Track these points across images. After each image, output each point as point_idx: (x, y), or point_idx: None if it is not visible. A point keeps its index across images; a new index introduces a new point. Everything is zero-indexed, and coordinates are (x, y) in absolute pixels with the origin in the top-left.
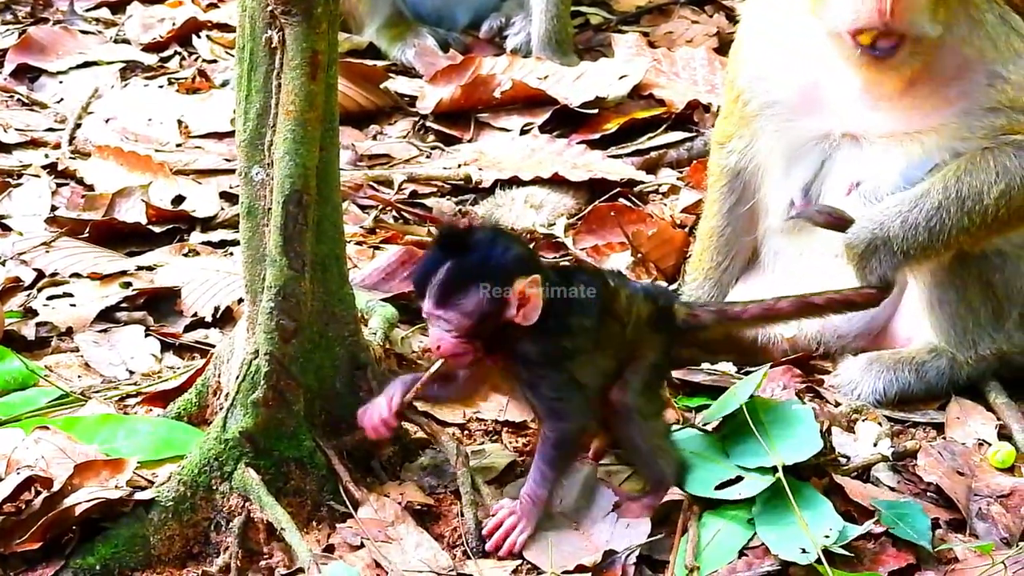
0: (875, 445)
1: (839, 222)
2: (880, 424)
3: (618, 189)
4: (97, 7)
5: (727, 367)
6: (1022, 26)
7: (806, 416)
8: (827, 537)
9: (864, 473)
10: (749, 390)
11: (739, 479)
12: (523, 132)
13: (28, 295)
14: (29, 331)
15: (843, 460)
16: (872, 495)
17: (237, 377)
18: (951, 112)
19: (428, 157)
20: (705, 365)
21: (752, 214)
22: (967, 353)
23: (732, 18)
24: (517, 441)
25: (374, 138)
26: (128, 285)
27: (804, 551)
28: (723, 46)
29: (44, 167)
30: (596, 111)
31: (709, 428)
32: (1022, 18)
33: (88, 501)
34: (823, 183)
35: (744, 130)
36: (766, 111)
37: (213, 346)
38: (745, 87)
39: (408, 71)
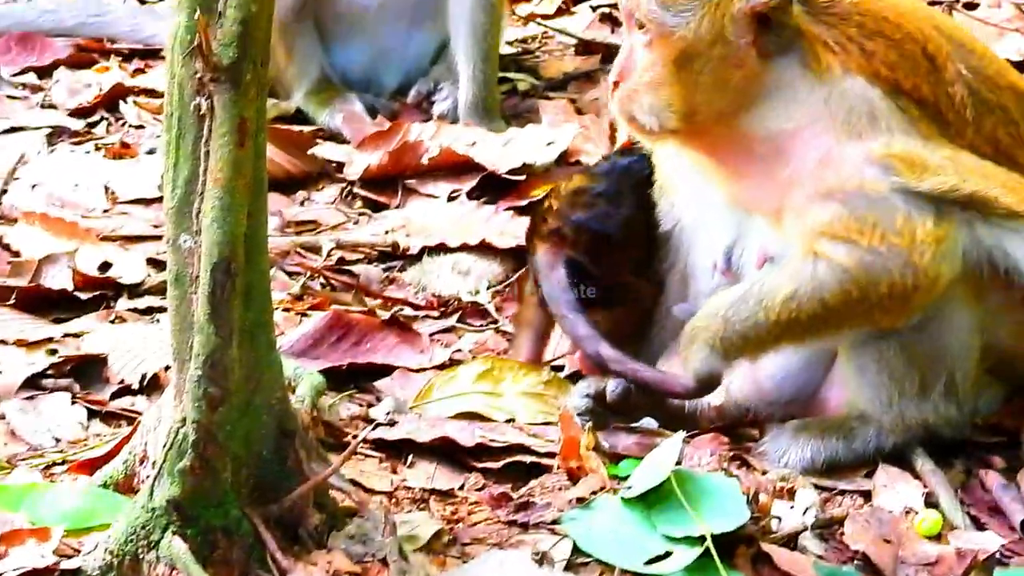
0: (803, 513)
1: None
2: (808, 492)
3: None
4: (23, 72)
5: (651, 423)
6: (870, 99)
7: (733, 485)
8: None
9: (792, 541)
10: (672, 457)
11: (668, 553)
12: (451, 198)
13: None
14: None
15: (771, 528)
16: (800, 564)
17: (164, 445)
18: (792, 196)
19: (355, 223)
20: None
21: (683, 277)
22: (894, 422)
23: None
24: (445, 509)
25: (302, 204)
26: (54, 352)
27: None
28: None
29: None
30: (524, 177)
31: (635, 495)
32: None
33: (14, 570)
34: (743, 249)
35: (667, 195)
36: (682, 178)
37: (140, 414)
38: (662, 155)
39: (336, 137)
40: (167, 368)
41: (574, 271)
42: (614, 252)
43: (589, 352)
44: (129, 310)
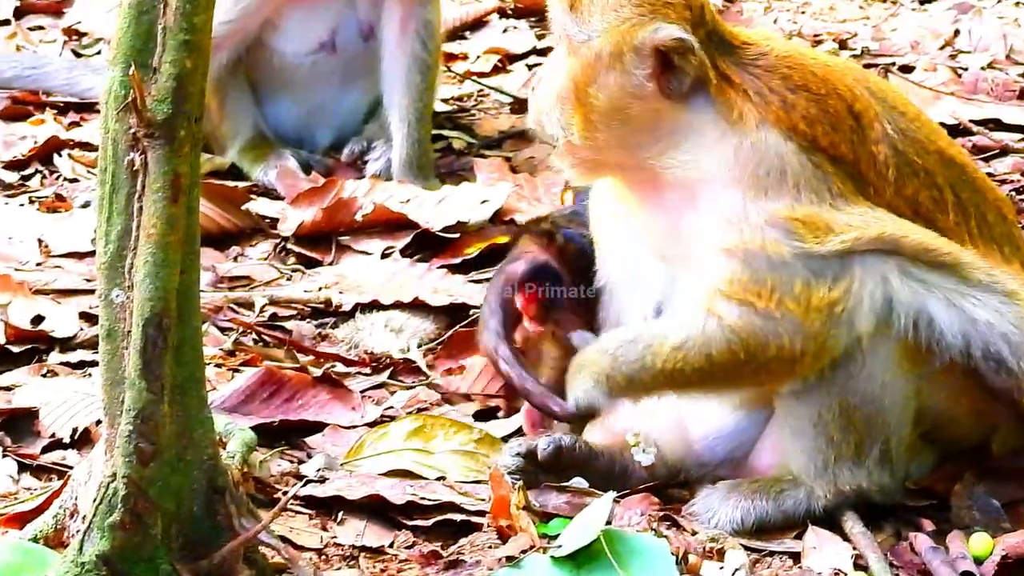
0: (733, 574)
1: None
2: (738, 553)
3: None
4: None
5: (581, 483)
6: (782, 154)
7: (662, 546)
8: None
9: None
10: (602, 517)
11: None
12: (384, 255)
13: None
14: None
15: None
16: None
17: (94, 500)
18: (697, 246)
19: (289, 279)
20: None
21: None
22: (826, 487)
23: None
24: (375, 567)
25: (235, 260)
26: None
27: None
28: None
29: None
30: (457, 235)
31: (565, 554)
32: None
33: None
34: (672, 301)
35: (601, 246)
36: (614, 226)
37: (71, 468)
38: (595, 203)
39: (270, 192)
40: (98, 423)
41: (543, 274)
42: (585, 276)
43: (488, 345)
44: (61, 364)
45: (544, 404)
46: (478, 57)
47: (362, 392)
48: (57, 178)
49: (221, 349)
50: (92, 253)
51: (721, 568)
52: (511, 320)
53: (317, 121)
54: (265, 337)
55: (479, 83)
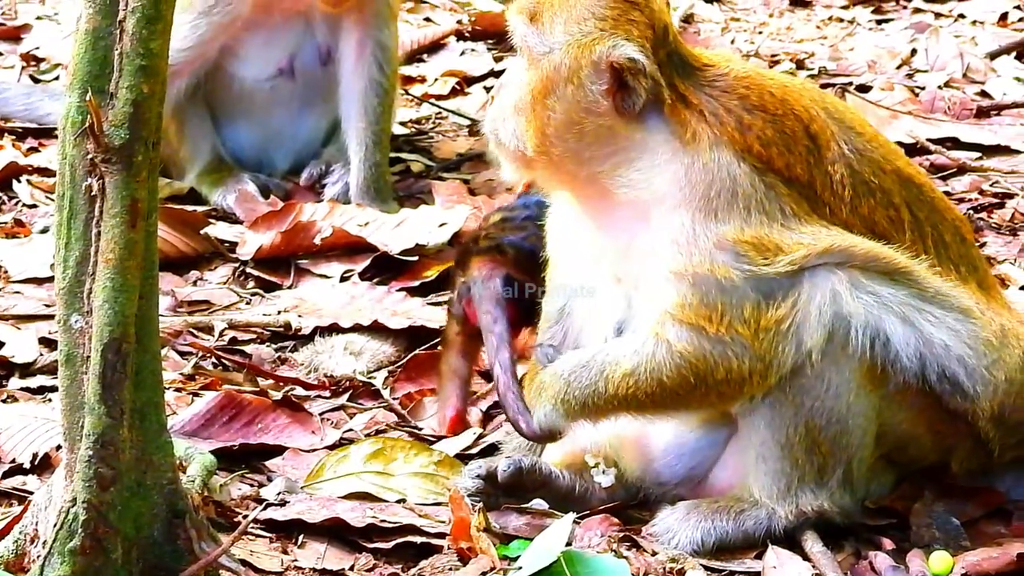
0: None
1: None
2: (698, 573)
3: (438, 338)
4: None
5: (541, 504)
6: (734, 175)
7: (623, 566)
8: None
9: None
10: (562, 538)
11: None
12: (343, 279)
13: None
14: None
15: None
16: None
17: (55, 525)
18: (648, 268)
19: (248, 303)
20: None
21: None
22: (788, 509)
23: None
24: None
25: (194, 284)
26: None
27: None
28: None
29: None
30: (416, 258)
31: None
32: None
33: None
34: (631, 322)
35: (558, 267)
36: (571, 246)
37: (31, 493)
38: (553, 223)
39: (229, 217)
40: (58, 448)
41: (510, 286)
42: (543, 270)
43: (491, 353)
44: (21, 389)
45: (515, 420)
46: (436, 80)
47: (322, 415)
48: (16, 204)
49: (181, 373)
50: (51, 279)
51: None
52: (512, 330)
53: (276, 145)
54: (225, 361)
55: (436, 105)
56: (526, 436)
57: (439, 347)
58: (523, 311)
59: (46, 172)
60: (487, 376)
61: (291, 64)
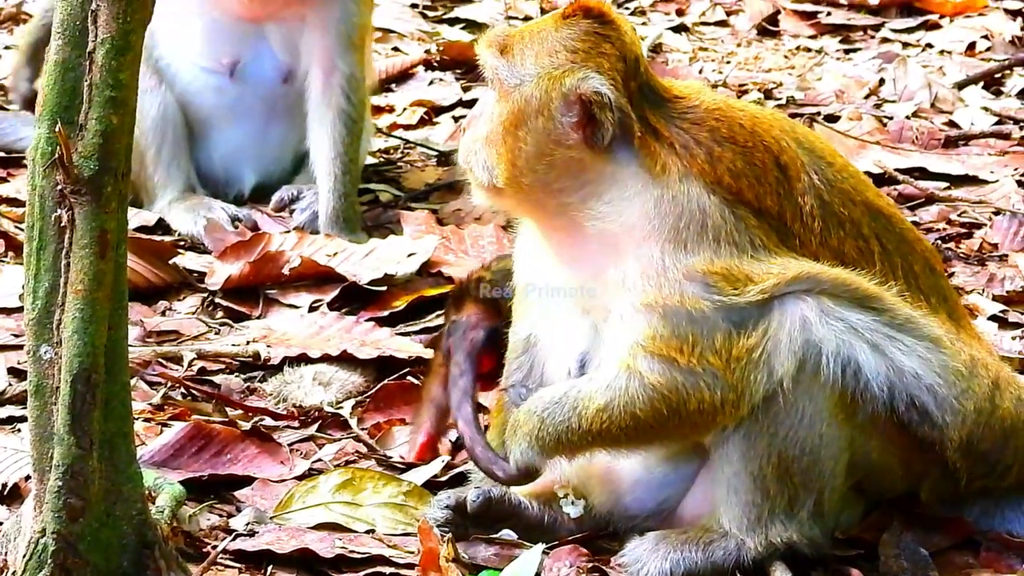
0: None
1: None
2: None
3: (407, 368)
4: None
5: (510, 535)
6: (704, 207)
7: None
8: None
9: None
10: (531, 569)
11: None
12: (312, 309)
13: None
14: None
15: None
16: None
17: (24, 555)
18: (618, 300)
19: (217, 333)
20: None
21: (540, 382)
22: (757, 539)
23: None
24: None
25: (163, 314)
26: None
27: None
28: (510, 223)
29: None
30: (385, 288)
31: None
32: None
33: None
34: (596, 355)
35: (524, 300)
36: (538, 278)
37: (0, 524)
38: (520, 253)
39: (197, 246)
40: (27, 478)
41: (495, 338)
42: None
43: (453, 407)
44: None
45: (489, 470)
46: (404, 109)
47: (291, 445)
48: None
49: (150, 404)
50: (20, 309)
51: None
52: (477, 381)
53: (240, 160)
54: (194, 391)
55: (402, 139)
56: (503, 482)
57: (408, 377)
58: (502, 366)
59: (15, 202)
60: None
61: (234, 63)
